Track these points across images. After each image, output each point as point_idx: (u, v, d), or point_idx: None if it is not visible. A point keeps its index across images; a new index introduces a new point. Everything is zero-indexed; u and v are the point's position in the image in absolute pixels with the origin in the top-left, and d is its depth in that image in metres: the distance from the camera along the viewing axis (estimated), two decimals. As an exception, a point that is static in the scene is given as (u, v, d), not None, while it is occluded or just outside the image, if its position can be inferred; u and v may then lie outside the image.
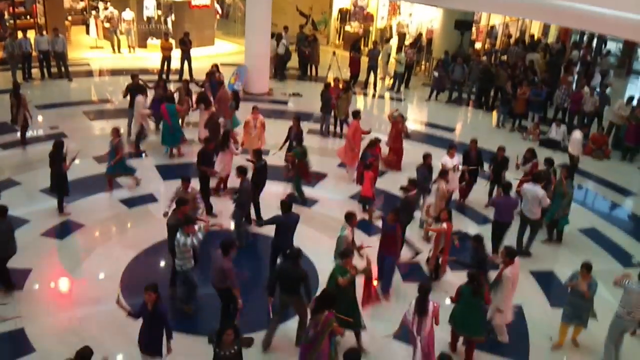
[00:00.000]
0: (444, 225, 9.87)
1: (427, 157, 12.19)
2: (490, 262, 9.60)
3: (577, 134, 15.06)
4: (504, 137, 16.87)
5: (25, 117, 14.17)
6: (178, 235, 8.67)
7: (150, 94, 15.36)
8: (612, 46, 28.23)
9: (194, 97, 15.42)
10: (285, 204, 9.67)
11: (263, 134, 14.01)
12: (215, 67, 17.12)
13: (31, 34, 19.83)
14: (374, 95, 21.02)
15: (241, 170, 10.70)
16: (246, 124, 13.91)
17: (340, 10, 26.81)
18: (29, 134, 14.84)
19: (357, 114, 14.24)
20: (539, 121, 18.15)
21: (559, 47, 24.22)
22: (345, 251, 8.48)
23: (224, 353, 6.84)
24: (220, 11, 28.03)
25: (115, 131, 12.38)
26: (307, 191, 13.09)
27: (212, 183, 12.29)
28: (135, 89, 14.90)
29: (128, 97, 15.11)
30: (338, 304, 7.60)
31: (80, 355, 6.46)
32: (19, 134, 14.42)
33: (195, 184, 11.09)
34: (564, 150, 16.35)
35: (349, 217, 9.40)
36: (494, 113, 19.44)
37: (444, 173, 11.57)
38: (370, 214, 11.47)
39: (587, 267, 8.60)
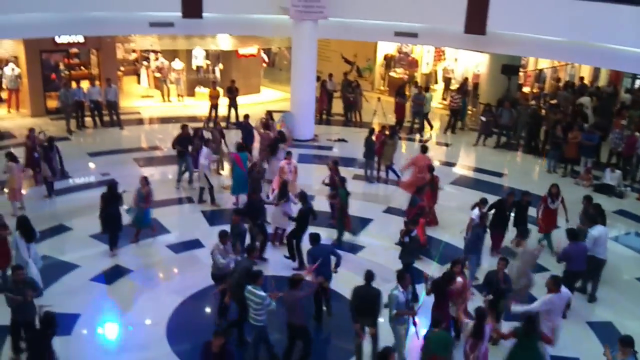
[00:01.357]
0: (459, 279, 9.37)
1: (483, 217, 11.54)
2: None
3: None
4: (556, 182, 16.39)
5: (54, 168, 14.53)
6: (254, 289, 8.46)
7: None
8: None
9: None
10: (313, 236, 9.96)
11: (296, 179, 13.98)
12: (268, 115, 17.40)
13: (84, 85, 20.55)
14: (420, 141, 20.87)
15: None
16: (280, 170, 13.91)
17: (385, 57, 27.01)
18: (82, 180, 15.22)
19: (425, 149, 14.75)
20: (592, 166, 17.63)
21: (610, 91, 23.73)
22: (438, 319, 8.24)
23: None
24: (266, 60, 28.62)
25: (144, 179, 12.41)
26: (352, 237, 12.95)
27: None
28: (185, 139, 15.10)
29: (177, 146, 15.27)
30: None
31: None
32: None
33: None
34: (619, 195, 15.84)
35: (401, 278, 8.83)
36: (545, 158, 19.01)
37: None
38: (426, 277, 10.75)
39: (623, 342, 7.70)
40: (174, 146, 15.26)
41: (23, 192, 13.66)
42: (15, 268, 8.68)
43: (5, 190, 13.46)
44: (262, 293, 8.40)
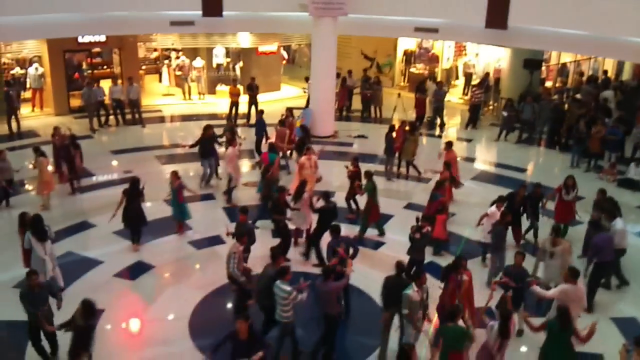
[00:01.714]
0: (464, 276, 9.28)
1: (505, 215, 11.32)
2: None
3: None
4: (579, 177, 16.08)
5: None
6: (281, 284, 8.50)
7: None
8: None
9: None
10: (334, 227, 10.15)
11: (316, 174, 14.02)
12: (288, 112, 17.52)
13: (106, 83, 20.77)
14: (439, 137, 20.76)
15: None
16: (300, 166, 13.99)
17: (405, 52, 26.89)
18: (105, 177, 15.45)
19: (450, 145, 14.75)
20: (616, 161, 17.37)
21: (634, 84, 23.37)
22: (454, 311, 8.16)
23: None
24: (286, 57, 28.66)
25: (174, 174, 12.64)
26: (374, 232, 12.94)
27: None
28: (208, 141, 15.15)
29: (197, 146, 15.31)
30: None
31: None
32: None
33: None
34: (644, 190, 15.62)
35: (417, 277, 8.82)
36: (568, 153, 18.78)
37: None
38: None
39: (639, 342, 7.48)
40: (194, 146, 15.31)
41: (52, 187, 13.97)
42: (30, 273, 8.53)
43: (30, 187, 13.72)
44: (288, 288, 8.44)
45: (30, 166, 14.96)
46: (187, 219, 12.95)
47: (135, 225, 12.13)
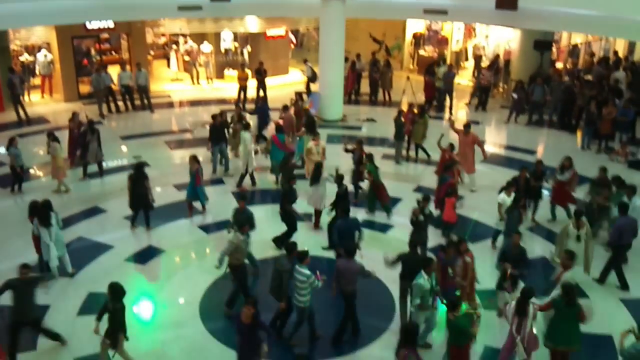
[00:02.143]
0: (467, 258, 9.29)
1: (519, 200, 11.29)
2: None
3: None
4: (590, 159, 16.12)
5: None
6: (300, 268, 8.56)
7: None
8: None
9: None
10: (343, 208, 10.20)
11: (324, 160, 13.97)
12: (297, 96, 17.52)
13: (114, 69, 20.79)
14: (449, 120, 20.64)
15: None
16: (308, 151, 14.04)
17: (414, 35, 26.69)
18: (115, 162, 15.56)
19: (468, 127, 14.57)
20: (627, 142, 17.23)
21: (646, 65, 23.06)
22: (455, 301, 8.05)
23: None
24: (294, 41, 28.54)
25: (193, 158, 12.76)
26: (383, 215, 12.94)
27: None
28: (218, 129, 15.08)
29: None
30: None
31: None
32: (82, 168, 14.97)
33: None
34: (656, 171, 15.50)
35: (427, 265, 8.62)
36: (578, 134, 18.64)
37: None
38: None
39: None
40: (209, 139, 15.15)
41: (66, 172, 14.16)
42: (23, 267, 8.56)
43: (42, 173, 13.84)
44: (307, 272, 8.49)
45: (41, 152, 15.09)
46: (204, 202, 13.04)
47: (141, 210, 12.25)
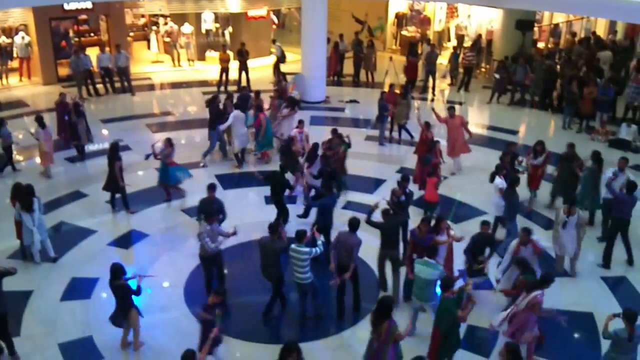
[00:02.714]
0: (443, 237, 9.36)
1: (515, 181, 11.11)
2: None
3: None
4: (571, 138, 16.16)
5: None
6: (298, 247, 8.68)
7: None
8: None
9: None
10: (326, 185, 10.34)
11: (308, 147, 13.90)
12: (281, 76, 17.46)
13: (94, 51, 20.48)
14: (432, 100, 20.68)
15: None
16: (293, 139, 13.72)
17: (397, 15, 26.57)
18: (96, 146, 15.41)
19: (453, 109, 14.52)
20: (608, 121, 17.38)
21: (626, 45, 23.22)
22: (447, 281, 8.06)
23: None
24: (276, 21, 28.29)
25: (167, 141, 12.61)
26: (366, 197, 12.96)
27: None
28: (216, 113, 14.73)
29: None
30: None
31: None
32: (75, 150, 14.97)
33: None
34: (635, 150, 15.65)
35: (431, 251, 8.65)
36: (560, 114, 18.76)
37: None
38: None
39: (628, 316, 7.35)
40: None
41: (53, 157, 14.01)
42: None
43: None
44: (306, 249, 8.66)
45: (20, 136, 14.91)
46: (174, 183, 12.75)
47: (111, 190, 12.20)
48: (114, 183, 12.06)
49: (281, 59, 21.60)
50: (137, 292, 8.34)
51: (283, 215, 11.50)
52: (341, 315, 9.38)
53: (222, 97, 15.62)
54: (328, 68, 21.01)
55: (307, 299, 9.16)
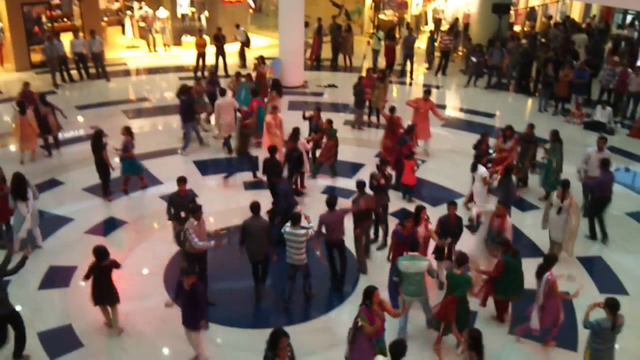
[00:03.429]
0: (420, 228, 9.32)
1: (512, 169, 11.36)
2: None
3: None
4: (547, 121, 16.43)
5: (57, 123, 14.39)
6: (294, 229, 8.78)
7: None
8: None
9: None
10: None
11: (282, 134, 13.69)
12: (260, 59, 17.27)
13: (67, 37, 20.13)
14: (410, 84, 20.72)
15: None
16: (267, 125, 13.47)
17: (374, -1, 26.54)
18: (71, 133, 15.19)
19: (429, 92, 14.66)
20: (583, 103, 17.59)
21: (601, 27, 23.47)
22: (462, 257, 8.13)
23: None
24: (253, 5, 28.04)
25: (126, 129, 12.39)
26: (345, 182, 13.00)
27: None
28: (188, 104, 14.42)
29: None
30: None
31: None
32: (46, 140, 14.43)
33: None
34: (609, 132, 15.88)
35: (415, 245, 8.55)
36: (536, 97, 18.93)
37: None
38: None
39: (611, 306, 7.24)
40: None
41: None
42: None
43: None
44: (302, 230, 8.77)
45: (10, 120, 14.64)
46: (133, 174, 12.56)
47: (102, 179, 12.14)
48: (102, 169, 11.98)
49: (246, 43, 21.45)
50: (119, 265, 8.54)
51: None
52: (340, 288, 9.63)
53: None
54: (311, 52, 20.97)
55: (296, 280, 9.23)
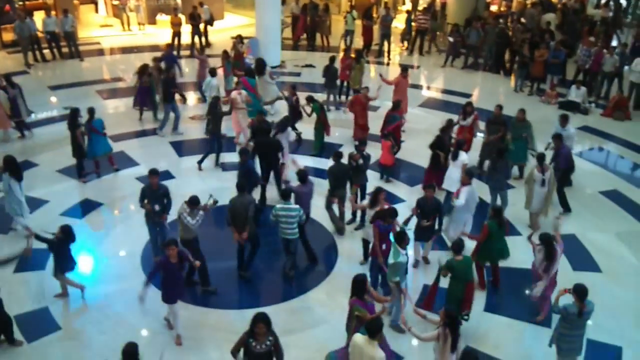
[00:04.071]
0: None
1: (503, 150, 11.15)
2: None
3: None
4: (522, 101, 16.56)
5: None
6: (288, 205, 9.09)
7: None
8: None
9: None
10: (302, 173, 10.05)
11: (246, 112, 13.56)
12: (238, 38, 17.18)
13: (39, 15, 19.71)
14: (387, 64, 20.71)
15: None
16: (233, 101, 13.14)
17: (351, -22, 26.34)
18: (44, 114, 14.92)
19: (406, 70, 14.72)
20: (558, 83, 17.76)
21: (577, 7, 23.62)
22: (459, 245, 8.21)
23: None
24: (229, -16, 27.67)
25: (89, 110, 12.05)
26: (324, 163, 13.00)
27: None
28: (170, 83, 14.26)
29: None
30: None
31: (126, 352, 6.40)
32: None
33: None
34: (584, 112, 16.07)
35: (401, 239, 8.07)
36: (512, 77, 19.07)
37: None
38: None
39: (579, 292, 7.17)
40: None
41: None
42: None
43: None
44: (296, 206, 9.16)
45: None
46: (101, 156, 12.34)
47: (76, 159, 12.01)
48: (78, 149, 11.85)
49: (209, 21, 21.21)
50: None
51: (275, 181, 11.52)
52: (316, 260, 9.90)
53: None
54: (297, 31, 20.90)
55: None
